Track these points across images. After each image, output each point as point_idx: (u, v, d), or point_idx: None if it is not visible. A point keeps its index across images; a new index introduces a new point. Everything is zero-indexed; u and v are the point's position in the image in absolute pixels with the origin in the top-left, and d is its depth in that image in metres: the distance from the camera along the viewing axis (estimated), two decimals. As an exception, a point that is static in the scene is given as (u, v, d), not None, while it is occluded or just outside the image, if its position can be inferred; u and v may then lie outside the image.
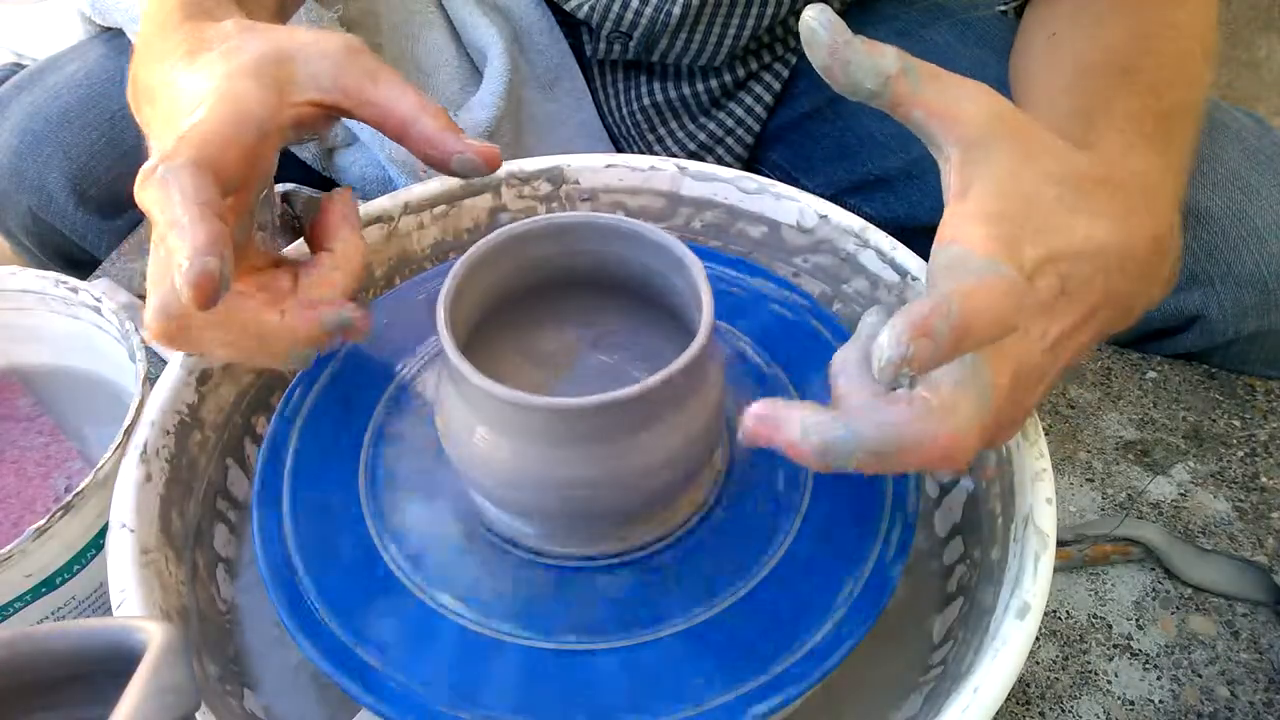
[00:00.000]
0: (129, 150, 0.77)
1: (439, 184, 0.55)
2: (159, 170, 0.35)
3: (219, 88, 0.40)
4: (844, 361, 0.37)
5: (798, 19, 0.82)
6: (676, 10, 0.72)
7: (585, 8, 0.73)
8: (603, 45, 0.77)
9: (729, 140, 0.83)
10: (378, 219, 0.54)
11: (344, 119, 0.44)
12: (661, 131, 0.83)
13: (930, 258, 0.38)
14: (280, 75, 0.41)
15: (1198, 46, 0.51)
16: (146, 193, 0.36)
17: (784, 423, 0.35)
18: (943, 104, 0.37)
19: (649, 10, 0.72)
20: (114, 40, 0.80)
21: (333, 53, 0.42)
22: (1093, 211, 0.39)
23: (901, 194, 0.75)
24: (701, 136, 0.83)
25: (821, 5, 0.36)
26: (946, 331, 0.31)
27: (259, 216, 0.43)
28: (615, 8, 0.72)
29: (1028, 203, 0.37)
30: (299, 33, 0.43)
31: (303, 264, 0.43)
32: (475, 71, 0.78)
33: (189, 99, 0.40)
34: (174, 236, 0.34)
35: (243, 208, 0.40)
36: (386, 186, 0.72)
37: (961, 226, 0.36)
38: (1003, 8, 0.66)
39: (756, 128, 0.83)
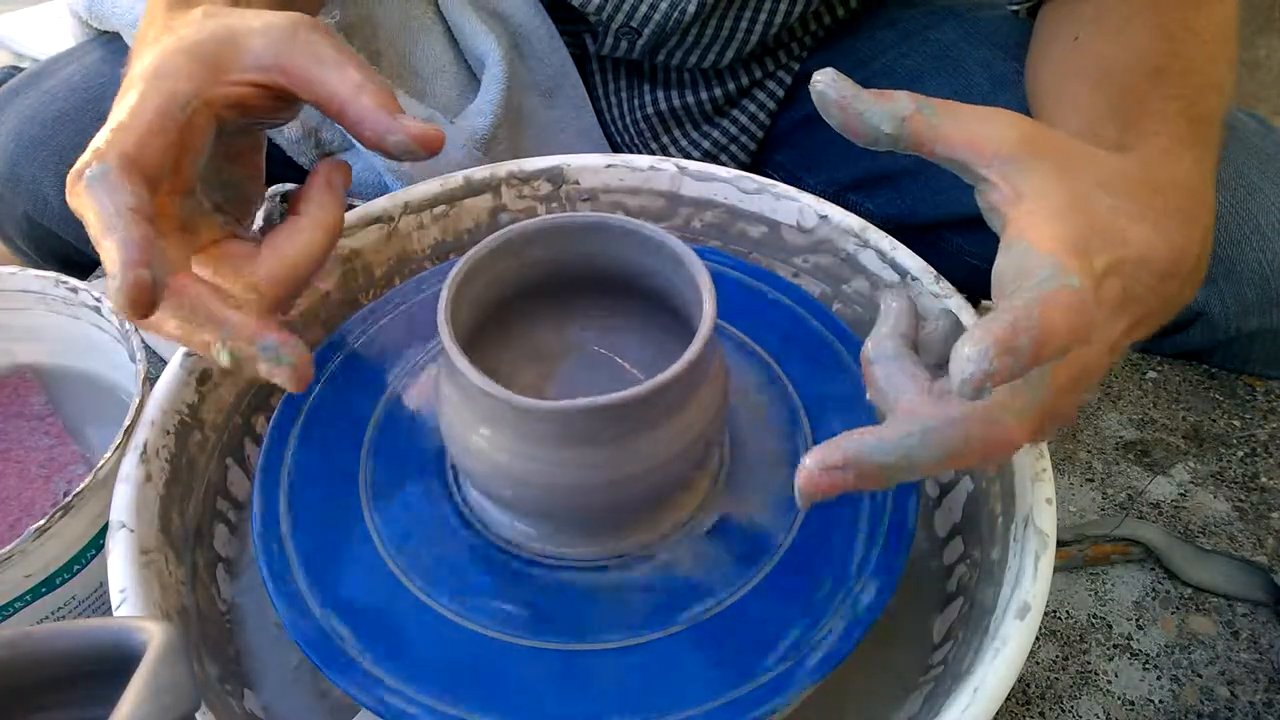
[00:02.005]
0: None
1: (439, 184, 0.55)
2: (85, 175, 0.36)
3: (152, 67, 0.40)
4: (880, 351, 0.37)
5: (805, 27, 0.82)
6: (691, 7, 0.71)
7: (597, 1, 0.73)
8: (609, 41, 0.76)
9: (733, 148, 0.83)
10: (377, 219, 0.54)
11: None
12: (665, 140, 0.83)
13: (998, 255, 0.37)
14: (220, 53, 0.41)
15: (1220, 52, 0.51)
16: (76, 199, 0.36)
17: (848, 457, 0.34)
18: (965, 134, 0.37)
19: (664, 5, 0.72)
20: (111, 44, 0.79)
21: (276, 32, 0.42)
22: (1143, 217, 0.38)
23: (904, 190, 0.75)
24: (705, 144, 0.83)
25: (828, 70, 0.37)
26: (1029, 346, 0.31)
27: (258, 210, 0.43)
28: (630, 0, 0.72)
29: (1085, 207, 0.37)
30: (252, 15, 0.43)
31: (272, 228, 0.43)
32: (474, 78, 0.78)
33: (129, 81, 0.40)
34: (106, 246, 0.34)
35: (180, 188, 0.40)
36: (382, 192, 0.72)
37: (1028, 223, 0.36)
38: (1014, 7, 0.66)
39: (760, 134, 0.83)
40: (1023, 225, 0.36)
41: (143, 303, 0.34)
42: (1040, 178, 0.37)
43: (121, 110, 0.39)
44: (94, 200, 0.36)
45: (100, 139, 0.38)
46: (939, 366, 0.38)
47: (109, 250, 0.34)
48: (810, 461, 0.33)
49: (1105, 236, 0.36)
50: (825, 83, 0.36)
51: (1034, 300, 0.32)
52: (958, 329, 0.40)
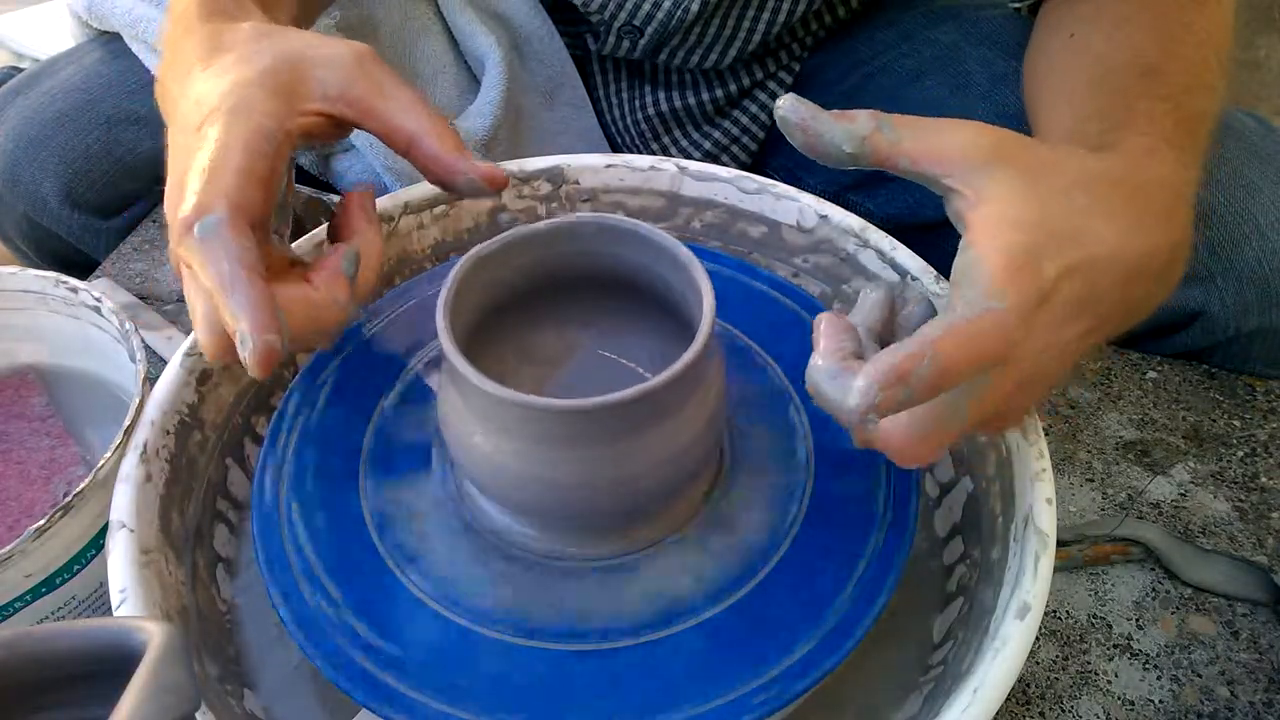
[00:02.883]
0: (125, 154, 0.77)
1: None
2: (195, 230, 0.36)
3: (228, 98, 0.40)
4: (830, 321, 0.37)
5: (806, 26, 0.83)
6: (694, 6, 0.71)
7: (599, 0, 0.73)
8: (611, 41, 0.76)
9: (734, 149, 0.83)
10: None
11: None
12: (665, 140, 0.83)
13: (956, 258, 0.37)
14: (289, 84, 0.41)
15: (1214, 54, 0.51)
16: (186, 251, 0.37)
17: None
18: (926, 146, 0.38)
19: (667, 4, 0.72)
20: (111, 44, 0.80)
21: (342, 62, 0.42)
22: (1111, 215, 0.38)
23: (904, 190, 0.75)
24: (706, 145, 0.83)
25: (789, 95, 0.37)
26: (925, 378, 0.32)
27: (276, 221, 0.43)
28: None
29: (1048, 210, 0.37)
30: (311, 40, 0.43)
31: (319, 259, 0.42)
32: (474, 79, 0.78)
33: (202, 106, 0.40)
34: (225, 308, 0.35)
35: (267, 225, 0.41)
36: (381, 193, 0.72)
37: (982, 229, 0.36)
38: (1016, 5, 0.66)
39: (761, 135, 0.83)
40: (977, 231, 0.36)
41: (272, 365, 0.35)
42: (1003, 183, 0.37)
43: (208, 148, 0.38)
44: (209, 256, 0.36)
45: (196, 182, 0.38)
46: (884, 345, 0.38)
47: (229, 312, 0.35)
48: (858, 397, 0.33)
49: (1068, 237, 0.37)
50: (787, 107, 0.37)
51: (941, 333, 0.33)
52: (882, 294, 0.41)
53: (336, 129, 0.43)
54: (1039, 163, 0.38)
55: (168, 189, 0.41)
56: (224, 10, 0.45)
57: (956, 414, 0.36)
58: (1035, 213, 0.36)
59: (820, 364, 0.35)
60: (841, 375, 0.34)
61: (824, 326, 0.37)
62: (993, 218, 0.36)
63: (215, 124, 0.39)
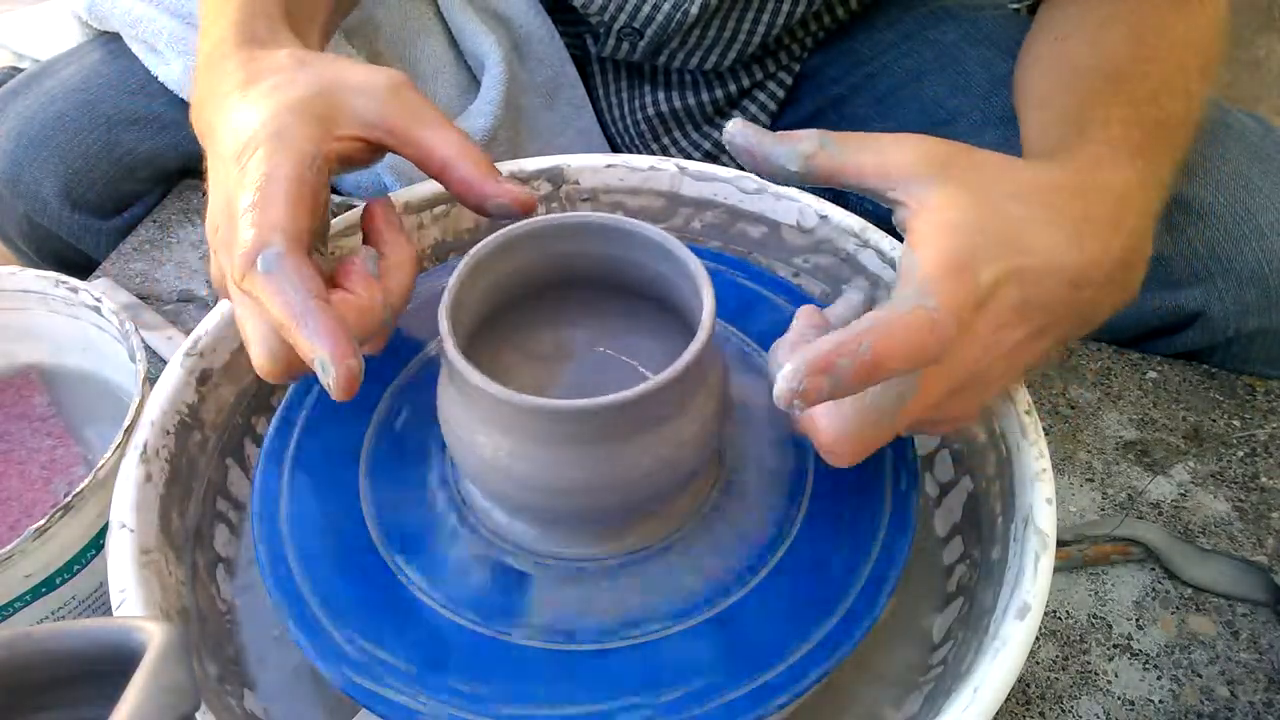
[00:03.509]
0: (125, 154, 0.77)
1: (439, 185, 0.55)
2: (259, 264, 0.37)
3: (269, 127, 0.40)
4: (804, 313, 0.39)
5: (806, 27, 0.83)
6: (694, 9, 0.71)
7: (600, 1, 0.73)
8: (611, 43, 0.76)
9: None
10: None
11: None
12: (665, 141, 0.83)
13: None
14: (326, 110, 0.42)
15: (1195, 60, 0.51)
16: (251, 285, 0.37)
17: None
18: (869, 161, 0.39)
19: (667, 6, 0.72)
20: (111, 44, 0.80)
21: (378, 90, 0.43)
22: (1055, 224, 0.39)
23: None
24: (706, 145, 0.83)
25: (737, 120, 0.39)
26: (851, 368, 0.33)
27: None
28: (633, 1, 0.72)
29: (985, 218, 0.37)
30: (346, 67, 0.44)
31: (342, 266, 0.42)
32: (473, 79, 0.78)
33: (241, 134, 0.41)
34: (301, 338, 0.36)
35: (314, 247, 0.41)
36: (381, 192, 0.72)
37: (920, 235, 0.37)
38: (1015, 5, 0.66)
39: None
40: (916, 237, 0.37)
41: (355, 388, 0.36)
42: (943, 193, 0.38)
43: (257, 180, 0.39)
44: (276, 289, 0.36)
45: (249, 214, 0.38)
46: None
47: (306, 342, 0.36)
48: (784, 383, 0.33)
49: (1004, 245, 0.37)
50: (734, 131, 0.39)
51: (870, 325, 0.33)
52: (862, 296, 0.42)
53: (372, 154, 0.44)
54: (978, 174, 0.39)
55: (209, 216, 0.41)
56: (259, 38, 0.46)
57: (883, 417, 0.36)
58: (972, 219, 0.37)
59: (777, 350, 0.37)
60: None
61: (798, 318, 0.39)
62: (932, 223, 0.37)
63: (258, 153, 0.40)
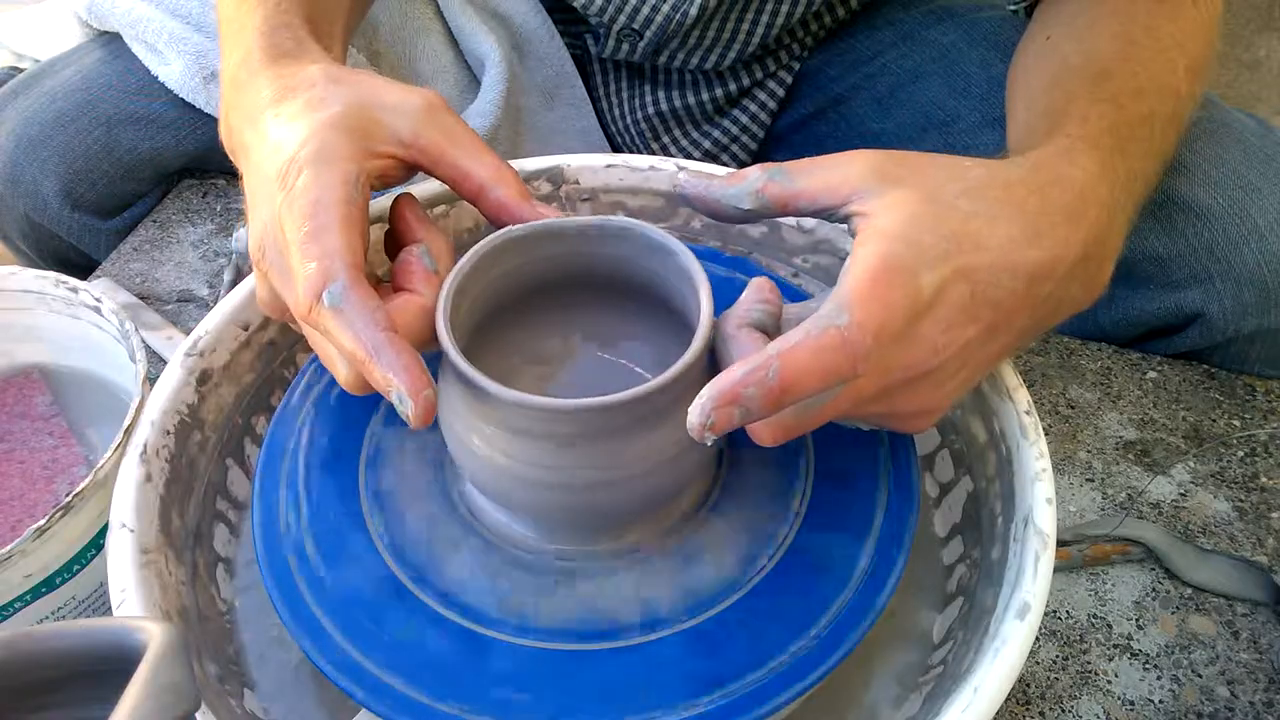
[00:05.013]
0: (125, 154, 0.77)
1: (439, 184, 0.55)
2: (326, 298, 0.37)
3: (309, 145, 0.40)
4: (754, 286, 0.39)
5: (805, 27, 0.83)
6: (693, 10, 0.71)
7: (599, 3, 0.73)
8: (611, 44, 0.76)
9: (734, 148, 0.83)
10: (378, 219, 0.54)
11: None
12: (665, 140, 0.83)
13: None
14: (362, 127, 0.42)
15: (1181, 60, 0.51)
16: (320, 320, 0.37)
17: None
18: (818, 182, 0.39)
19: (666, 8, 0.72)
20: (111, 44, 0.80)
21: (413, 109, 0.43)
22: (1008, 219, 0.39)
23: None
24: (706, 145, 0.83)
25: (683, 171, 0.39)
26: (759, 397, 0.34)
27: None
28: (632, 2, 0.72)
29: (930, 219, 0.37)
30: (381, 85, 0.44)
31: (401, 268, 0.42)
32: (474, 78, 0.78)
33: (281, 153, 0.41)
34: (376, 372, 0.36)
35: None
36: (379, 191, 0.72)
37: (860, 241, 0.37)
38: (1013, 7, 0.66)
39: (760, 134, 0.83)
40: (857, 243, 0.37)
41: (432, 416, 0.36)
42: (888, 200, 0.38)
43: (302, 203, 0.39)
44: (346, 325, 0.37)
45: (306, 246, 0.38)
46: None
47: (381, 375, 0.36)
48: (696, 415, 0.34)
49: (952, 244, 0.37)
50: (684, 181, 0.40)
51: (778, 349, 0.34)
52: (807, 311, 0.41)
53: (407, 173, 0.44)
54: (925, 176, 0.39)
55: (253, 238, 0.41)
56: (289, 53, 0.46)
57: (808, 411, 0.37)
58: (916, 222, 0.37)
59: (720, 325, 0.38)
60: (726, 341, 0.37)
61: (749, 288, 0.39)
62: (871, 229, 0.37)
63: (303, 175, 0.39)
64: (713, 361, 0.39)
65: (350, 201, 0.39)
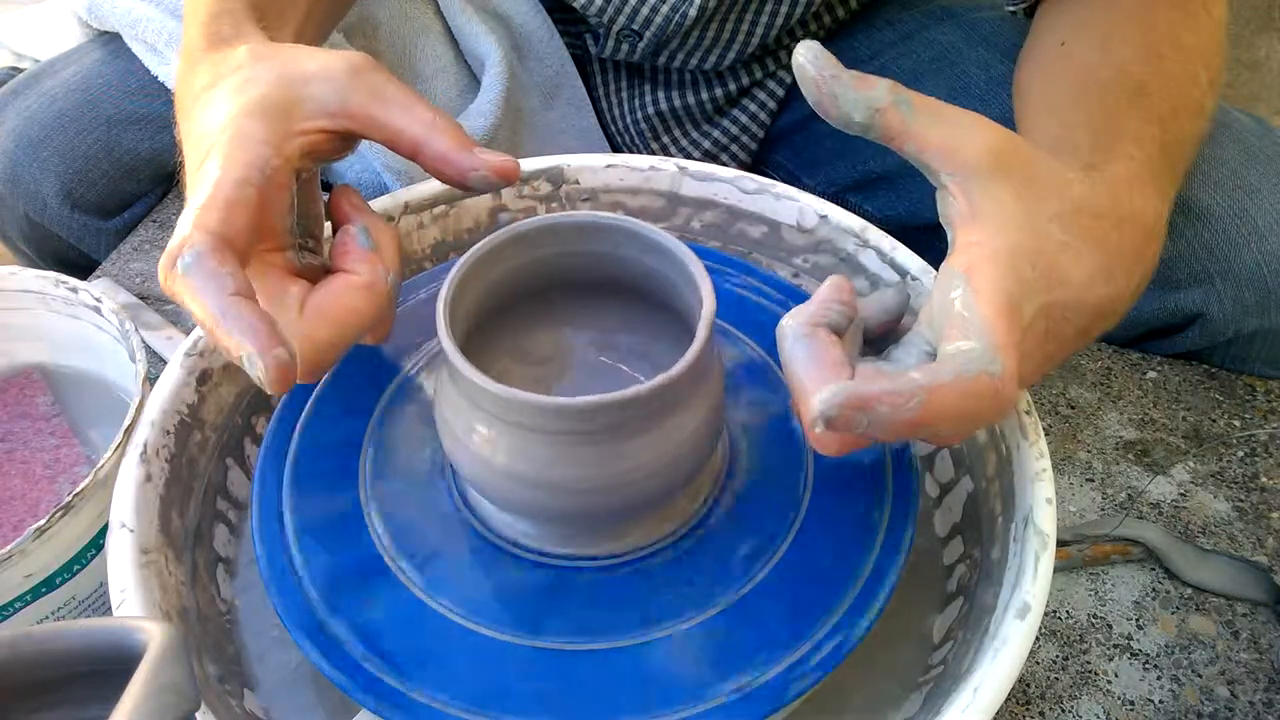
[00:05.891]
0: (125, 154, 0.77)
1: (438, 184, 0.55)
2: (178, 265, 0.36)
3: (226, 132, 0.40)
4: (786, 329, 0.38)
5: (805, 27, 0.83)
6: (693, 11, 0.71)
7: (599, 3, 0.73)
8: (610, 44, 0.76)
9: (733, 147, 0.83)
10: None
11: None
12: (665, 140, 0.83)
13: (939, 275, 0.37)
14: (283, 105, 0.41)
15: (1203, 74, 0.51)
16: (175, 287, 0.36)
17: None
18: (938, 137, 0.37)
19: (665, 9, 0.72)
20: (111, 44, 0.80)
21: (336, 75, 0.42)
22: (1083, 257, 0.39)
23: (903, 191, 0.75)
24: (706, 144, 0.83)
25: (812, 43, 0.36)
26: (889, 419, 0.32)
27: (298, 236, 0.43)
28: (631, 3, 0.72)
29: (1032, 245, 0.37)
30: (304, 56, 0.43)
31: (336, 251, 0.42)
32: (474, 78, 0.78)
33: (202, 142, 0.40)
34: (224, 337, 0.34)
35: (281, 245, 0.41)
36: (380, 192, 0.72)
37: (973, 258, 0.36)
38: (1012, 8, 0.66)
39: (760, 134, 0.83)
40: (968, 258, 0.36)
41: (289, 378, 0.34)
42: (996, 200, 0.37)
43: (204, 186, 0.38)
44: (194, 290, 0.35)
45: (186, 221, 0.37)
46: (869, 342, 0.39)
47: (229, 339, 0.34)
48: (818, 404, 0.33)
49: (1046, 278, 0.37)
50: (807, 57, 0.36)
51: (928, 384, 0.33)
52: (897, 300, 0.40)
53: (342, 142, 0.43)
54: (1032, 179, 0.38)
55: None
56: (226, 39, 0.45)
57: (884, 419, 0.35)
58: (1024, 248, 0.36)
59: (790, 323, 0.36)
60: (799, 341, 0.35)
61: (824, 289, 0.37)
62: (987, 249, 0.36)
63: (213, 160, 0.39)
64: (714, 363, 0.39)
65: (244, 182, 0.38)
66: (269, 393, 0.35)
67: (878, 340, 0.41)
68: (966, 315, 0.35)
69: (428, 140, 0.42)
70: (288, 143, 0.40)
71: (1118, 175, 0.43)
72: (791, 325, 0.37)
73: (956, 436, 0.37)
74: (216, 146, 0.39)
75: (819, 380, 0.34)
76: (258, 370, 0.34)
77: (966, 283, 0.36)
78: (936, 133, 0.37)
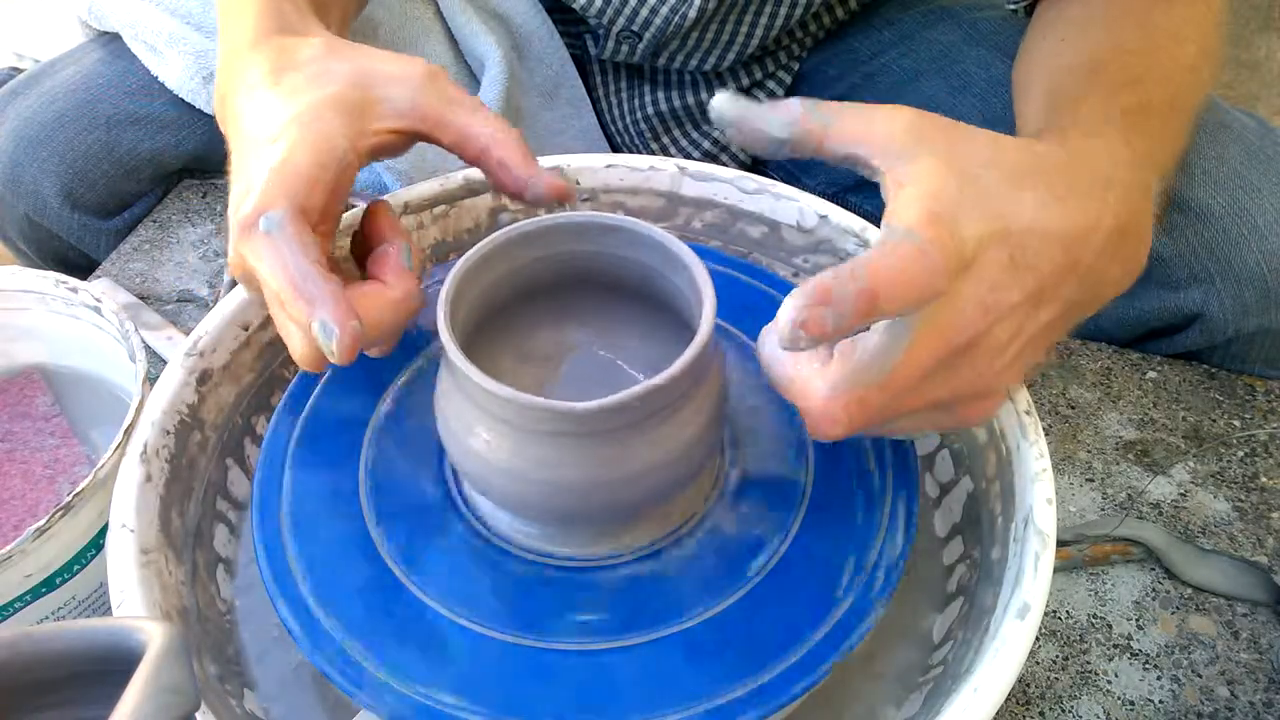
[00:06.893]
0: (125, 154, 0.77)
1: (438, 184, 0.55)
2: (260, 224, 0.36)
3: (302, 117, 0.40)
4: (763, 340, 0.39)
5: (805, 28, 0.83)
6: (692, 13, 0.71)
7: (599, 4, 0.73)
8: (610, 45, 0.76)
9: (733, 148, 0.83)
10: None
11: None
12: (665, 140, 0.83)
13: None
14: (363, 104, 0.42)
15: (1196, 50, 0.51)
16: (251, 247, 0.37)
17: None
18: (856, 129, 0.38)
19: (665, 10, 0.72)
20: (111, 44, 0.80)
21: (413, 79, 0.43)
22: (1025, 188, 0.38)
23: None
24: (706, 144, 0.83)
25: (724, 93, 0.38)
26: (850, 297, 0.32)
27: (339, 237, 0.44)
28: (631, 4, 0.72)
29: (963, 184, 0.37)
30: (379, 57, 0.44)
31: (377, 261, 0.42)
32: (474, 78, 0.78)
33: (272, 123, 0.41)
34: (299, 300, 0.35)
35: (329, 234, 0.41)
36: (381, 192, 0.72)
37: (900, 204, 0.36)
38: (1012, 6, 0.66)
39: None
40: (895, 207, 0.36)
41: (356, 352, 0.36)
42: (922, 165, 0.37)
43: (273, 157, 0.39)
44: (275, 253, 0.36)
45: (258, 184, 0.38)
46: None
47: (303, 304, 0.35)
48: (791, 312, 0.33)
49: (983, 208, 0.37)
50: (723, 103, 0.38)
51: (865, 258, 0.33)
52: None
53: (405, 143, 0.44)
54: (956, 142, 0.39)
55: (232, 199, 0.41)
56: (293, 25, 0.46)
57: (873, 374, 0.36)
58: (953, 186, 0.36)
59: (766, 337, 0.38)
60: (778, 351, 0.36)
61: (787, 300, 0.37)
62: (913, 193, 0.36)
63: (284, 141, 0.40)
64: (714, 363, 0.39)
65: (323, 165, 0.39)
66: (335, 362, 0.36)
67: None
68: (889, 224, 0.36)
69: (494, 147, 0.43)
70: (362, 140, 0.41)
71: (1060, 132, 0.44)
72: (767, 338, 0.38)
73: (913, 377, 0.36)
74: (290, 130, 0.40)
75: (803, 376, 0.36)
76: (332, 342, 0.35)
77: (892, 219, 0.36)
78: (850, 127, 0.38)
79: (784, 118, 0.37)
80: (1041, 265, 0.38)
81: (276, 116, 0.41)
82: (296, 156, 0.39)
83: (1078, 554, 0.57)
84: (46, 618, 0.49)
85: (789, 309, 0.33)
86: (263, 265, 0.37)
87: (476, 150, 0.43)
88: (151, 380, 0.48)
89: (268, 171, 0.38)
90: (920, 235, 0.34)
